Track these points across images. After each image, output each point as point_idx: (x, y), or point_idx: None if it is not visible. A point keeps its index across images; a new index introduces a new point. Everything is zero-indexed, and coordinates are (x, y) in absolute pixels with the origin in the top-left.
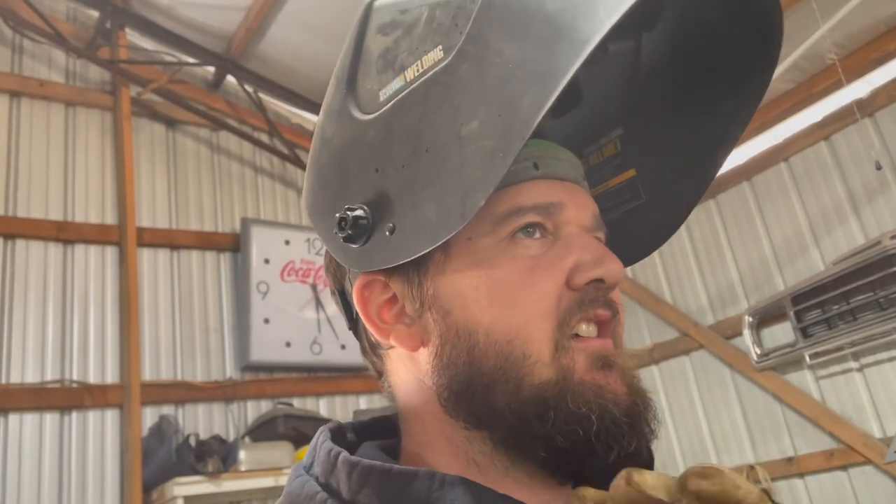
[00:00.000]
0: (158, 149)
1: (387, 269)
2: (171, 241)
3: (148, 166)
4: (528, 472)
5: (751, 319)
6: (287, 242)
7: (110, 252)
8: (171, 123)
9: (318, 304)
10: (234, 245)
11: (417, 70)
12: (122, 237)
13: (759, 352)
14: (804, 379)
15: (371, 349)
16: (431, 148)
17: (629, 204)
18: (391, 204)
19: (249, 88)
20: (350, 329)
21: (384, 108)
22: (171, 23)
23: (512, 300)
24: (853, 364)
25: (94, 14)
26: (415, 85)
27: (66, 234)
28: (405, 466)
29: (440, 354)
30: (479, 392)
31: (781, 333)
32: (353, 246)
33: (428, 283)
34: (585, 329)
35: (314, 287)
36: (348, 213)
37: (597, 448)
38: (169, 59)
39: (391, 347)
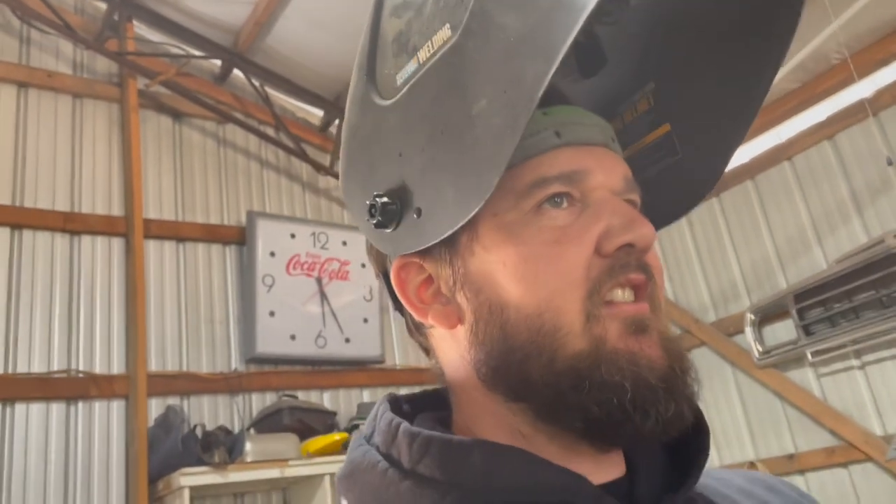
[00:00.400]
0: (165, 141)
1: (420, 250)
2: (177, 233)
3: (154, 158)
4: (571, 441)
5: (753, 317)
6: (293, 236)
7: (117, 243)
8: (177, 116)
9: (323, 297)
10: (240, 238)
11: (429, 51)
12: (128, 228)
13: (760, 349)
14: (806, 376)
15: (416, 328)
16: (446, 130)
17: (666, 160)
18: (415, 188)
19: (256, 82)
20: (396, 309)
21: (401, 93)
22: (179, 15)
23: (539, 273)
24: (855, 362)
25: (103, 6)
26: (427, 66)
27: (72, 224)
28: (464, 437)
29: (475, 332)
30: (515, 366)
31: (783, 331)
32: (386, 231)
33: (459, 262)
34: (621, 295)
35: (319, 280)
36: (377, 200)
37: (633, 415)
38: (176, 51)
39: (432, 326)
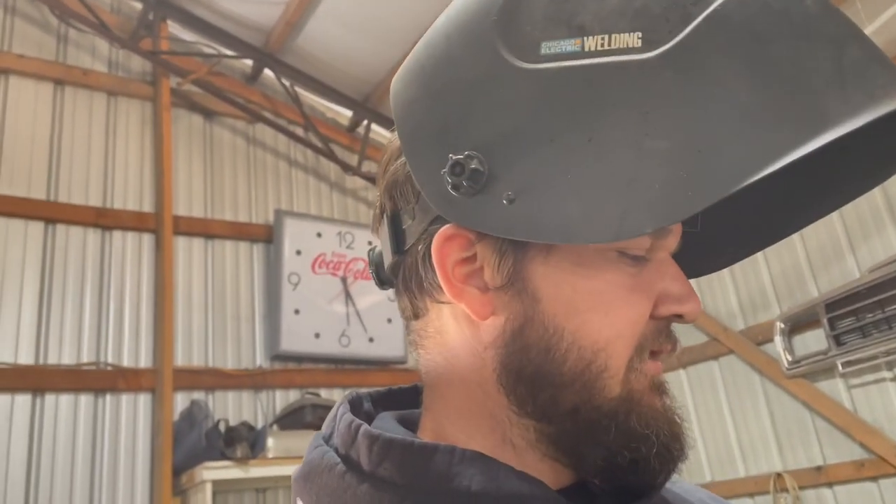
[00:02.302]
0: (196, 139)
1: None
2: (206, 230)
3: (185, 156)
4: (565, 465)
5: (783, 325)
6: (319, 235)
7: (147, 239)
8: (208, 115)
9: (348, 296)
10: (267, 236)
11: (601, 44)
12: (158, 225)
13: (790, 358)
14: (836, 387)
15: (417, 291)
16: (597, 140)
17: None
18: (522, 172)
19: (286, 82)
20: (391, 259)
21: (547, 66)
22: (211, 15)
23: (609, 313)
24: (886, 373)
25: (138, 5)
26: (595, 61)
27: (104, 220)
28: (425, 440)
29: (515, 337)
30: (549, 389)
31: (813, 340)
32: (455, 194)
33: (523, 264)
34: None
35: (344, 280)
36: (469, 160)
37: (654, 467)
38: (208, 51)
39: (443, 303)
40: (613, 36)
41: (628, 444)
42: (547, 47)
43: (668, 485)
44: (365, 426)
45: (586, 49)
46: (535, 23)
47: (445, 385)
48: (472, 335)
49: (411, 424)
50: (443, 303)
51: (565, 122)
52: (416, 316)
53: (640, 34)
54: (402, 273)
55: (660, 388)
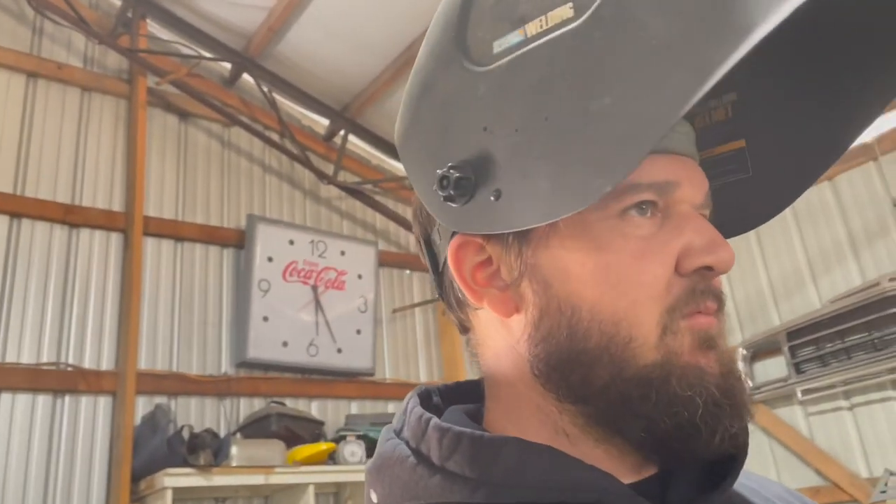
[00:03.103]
0: (170, 140)
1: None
2: (176, 232)
3: (159, 156)
4: (619, 448)
5: (745, 352)
6: (291, 242)
7: (115, 238)
8: (184, 116)
9: (318, 306)
10: (239, 241)
11: (541, 26)
12: (128, 224)
13: (750, 384)
14: (794, 414)
15: (458, 305)
16: (552, 117)
17: (732, 176)
18: (499, 168)
19: (264, 88)
20: (434, 281)
21: (499, 63)
22: (192, 16)
23: (620, 283)
24: (844, 402)
25: (117, 2)
26: (536, 43)
27: (72, 217)
28: (494, 434)
29: (537, 326)
30: (578, 369)
31: (774, 367)
32: (452, 205)
33: (529, 252)
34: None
35: (315, 289)
36: (451, 172)
37: (703, 431)
38: (187, 52)
39: (478, 309)
40: (549, 15)
41: (669, 409)
42: (498, 46)
43: (743, 479)
44: (435, 419)
45: (528, 35)
46: (485, 27)
47: (496, 386)
48: (507, 334)
49: (480, 418)
50: (478, 310)
51: (522, 110)
52: (466, 329)
53: (571, 4)
54: (443, 290)
55: (706, 343)
